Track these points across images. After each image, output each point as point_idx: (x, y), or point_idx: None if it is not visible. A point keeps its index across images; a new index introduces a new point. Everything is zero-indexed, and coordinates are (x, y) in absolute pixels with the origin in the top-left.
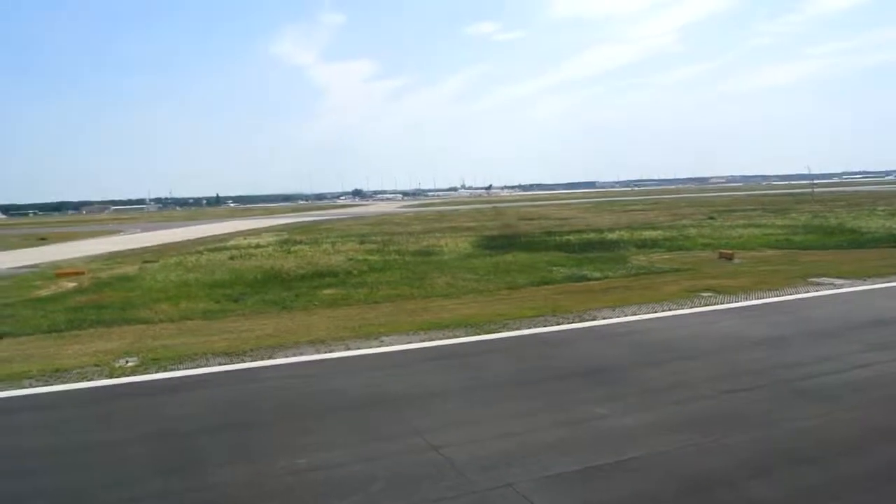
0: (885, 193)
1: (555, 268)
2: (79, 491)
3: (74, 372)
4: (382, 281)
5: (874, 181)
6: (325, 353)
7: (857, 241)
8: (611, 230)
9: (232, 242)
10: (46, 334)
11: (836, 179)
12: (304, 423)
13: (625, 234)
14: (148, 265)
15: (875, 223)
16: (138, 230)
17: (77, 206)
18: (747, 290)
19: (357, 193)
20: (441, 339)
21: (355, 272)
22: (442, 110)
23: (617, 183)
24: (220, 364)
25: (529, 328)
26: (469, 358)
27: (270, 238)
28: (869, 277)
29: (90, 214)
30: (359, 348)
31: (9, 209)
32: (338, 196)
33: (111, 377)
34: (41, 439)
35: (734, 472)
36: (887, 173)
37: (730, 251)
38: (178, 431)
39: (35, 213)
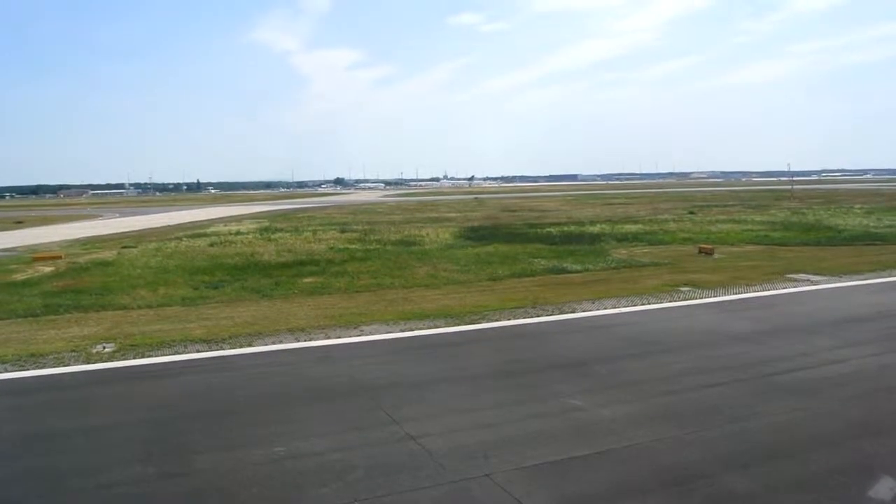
0: (863, 192)
1: (536, 260)
2: (54, 477)
3: (50, 357)
4: (363, 270)
5: (852, 179)
6: (305, 341)
7: (835, 238)
8: (592, 223)
9: (212, 229)
10: (22, 319)
11: (815, 177)
12: (283, 412)
13: (606, 228)
14: (126, 251)
15: (852, 221)
16: (117, 215)
17: (55, 190)
18: (726, 285)
19: (339, 182)
20: (421, 329)
21: (336, 261)
22: (426, 100)
23: (598, 176)
24: (198, 351)
25: (510, 320)
26: (449, 348)
27: (251, 225)
28: (846, 274)
29: (68, 198)
30: (338, 337)
31: None
32: (319, 184)
33: (88, 363)
34: (16, 425)
35: (711, 466)
36: (865, 172)
37: (709, 246)
38: (155, 418)
39: (11, 197)
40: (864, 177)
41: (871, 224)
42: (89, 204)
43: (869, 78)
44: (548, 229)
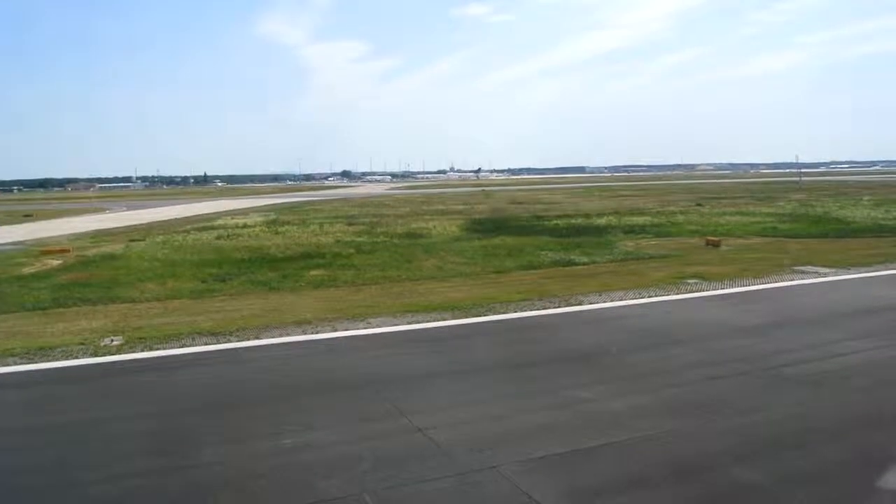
0: (872, 183)
1: (542, 252)
2: (63, 469)
3: (59, 350)
4: (370, 263)
5: (861, 171)
6: (312, 333)
7: (843, 230)
8: (599, 215)
9: (219, 222)
10: (31, 312)
11: (823, 168)
12: (291, 404)
13: (613, 220)
14: (134, 244)
15: (860, 213)
16: (124, 208)
17: (62, 184)
18: (733, 278)
19: (345, 175)
20: (428, 321)
21: (343, 254)
22: (432, 92)
23: (606, 168)
24: (206, 344)
25: (516, 312)
26: (456, 341)
27: (258, 218)
28: (853, 266)
29: (76, 192)
30: (345, 329)
31: None
32: (326, 177)
33: (96, 356)
34: (25, 417)
35: (718, 457)
36: (874, 163)
37: (717, 238)
38: (163, 411)
39: (20, 190)
40: (873, 168)
41: (880, 216)
42: (97, 197)
43: (878, 69)
44: (555, 222)
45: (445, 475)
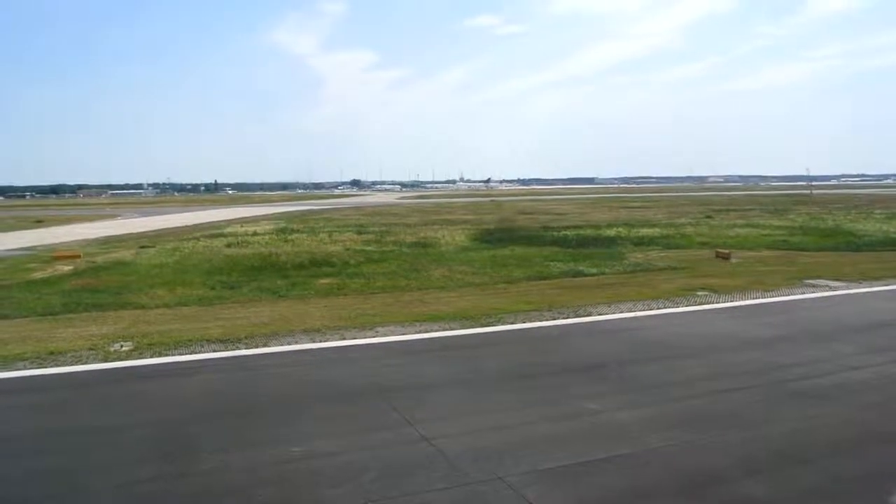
0: (883, 196)
1: (552, 263)
2: (71, 474)
3: (69, 355)
4: (379, 272)
5: (872, 184)
6: (320, 342)
7: (854, 243)
8: (608, 226)
9: (229, 230)
10: (41, 317)
11: (834, 181)
12: (298, 412)
13: (622, 231)
14: (144, 250)
15: (872, 226)
16: (135, 215)
17: (74, 190)
18: (743, 290)
19: (355, 184)
20: (436, 331)
21: (352, 262)
22: (442, 102)
23: (616, 179)
24: (214, 350)
25: (525, 322)
26: (463, 351)
27: (268, 226)
28: (865, 280)
29: (87, 198)
30: (354, 338)
31: (5, 191)
32: (336, 186)
33: (105, 361)
34: (34, 422)
35: (727, 471)
36: (885, 177)
37: (727, 250)
38: (172, 417)
39: (32, 196)
40: (885, 181)
41: (892, 229)
42: (108, 204)
43: (888, 82)
44: (564, 232)
45: (451, 485)
